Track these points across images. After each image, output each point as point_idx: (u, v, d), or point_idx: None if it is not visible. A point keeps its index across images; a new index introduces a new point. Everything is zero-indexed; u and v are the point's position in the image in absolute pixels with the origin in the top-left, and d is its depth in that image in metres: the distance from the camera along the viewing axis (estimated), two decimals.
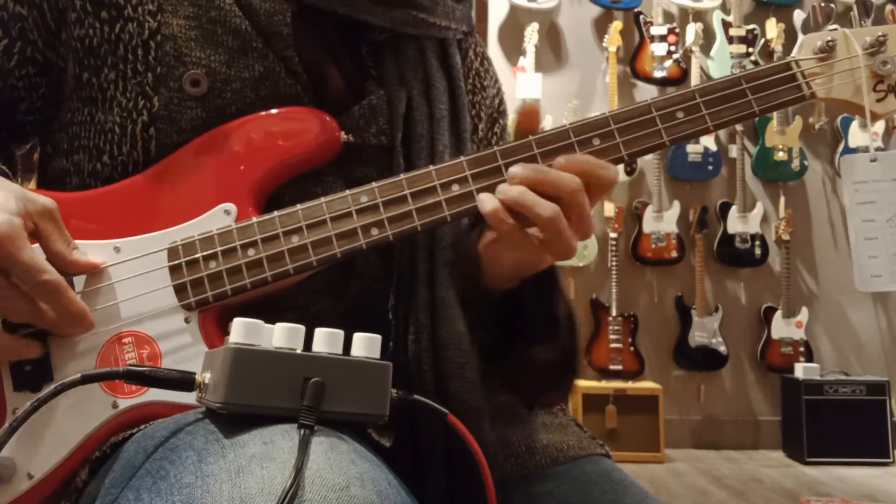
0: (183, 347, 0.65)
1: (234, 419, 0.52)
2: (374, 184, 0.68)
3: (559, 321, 0.76)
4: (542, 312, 0.75)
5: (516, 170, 0.67)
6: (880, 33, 0.73)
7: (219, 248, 0.67)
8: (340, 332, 0.53)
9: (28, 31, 0.75)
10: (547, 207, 0.65)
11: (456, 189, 0.68)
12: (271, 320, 0.54)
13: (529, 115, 3.93)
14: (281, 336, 0.52)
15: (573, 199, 0.66)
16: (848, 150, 4.05)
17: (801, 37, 0.77)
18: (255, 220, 0.67)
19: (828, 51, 0.73)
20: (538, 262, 0.70)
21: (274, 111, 0.72)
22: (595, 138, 0.70)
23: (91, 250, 0.67)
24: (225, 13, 0.72)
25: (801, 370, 3.80)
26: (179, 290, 0.66)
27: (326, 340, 0.53)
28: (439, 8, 0.81)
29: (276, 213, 0.67)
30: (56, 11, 0.74)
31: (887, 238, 0.74)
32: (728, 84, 0.71)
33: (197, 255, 0.67)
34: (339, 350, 0.53)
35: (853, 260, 0.74)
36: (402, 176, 0.68)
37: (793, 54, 0.75)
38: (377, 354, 0.54)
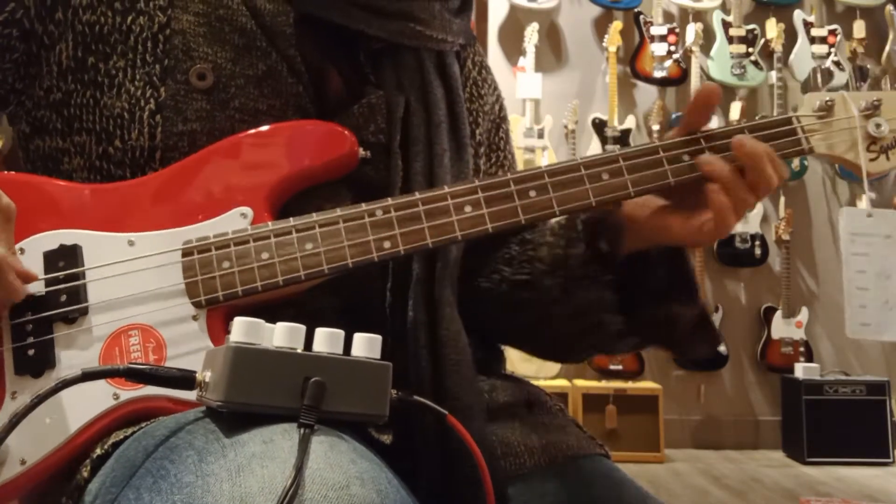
0: (189, 344, 0.66)
1: (234, 418, 0.52)
2: (389, 199, 0.70)
3: (694, 278, 0.78)
4: (677, 271, 0.78)
5: (713, 159, 0.72)
6: (875, 98, 0.78)
7: (233, 250, 0.67)
8: (341, 332, 0.54)
9: None
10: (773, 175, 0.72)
11: (468, 211, 0.70)
12: (270, 316, 0.54)
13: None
14: (281, 335, 0.53)
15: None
16: None
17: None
18: (270, 224, 0.68)
19: (826, 110, 0.78)
20: (698, 233, 0.72)
21: (297, 122, 0.73)
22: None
23: (105, 242, 0.68)
24: (232, 12, 0.74)
25: (801, 370, 3.80)
26: (191, 287, 0.67)
27: (327, 340, 0.53)
28: (437, 21, 0.82)
29: (291, 219, 0.68)
30: None
31: (877, 291, 0.79)
32: (734, 132, 0.75)
33: (211, 255, 0.67)
34: (340, 350, 0.53)
35: (846, 307, 0.79)
36: (417, 195, 0.70)
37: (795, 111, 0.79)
38: (377, 355, 0.54)
